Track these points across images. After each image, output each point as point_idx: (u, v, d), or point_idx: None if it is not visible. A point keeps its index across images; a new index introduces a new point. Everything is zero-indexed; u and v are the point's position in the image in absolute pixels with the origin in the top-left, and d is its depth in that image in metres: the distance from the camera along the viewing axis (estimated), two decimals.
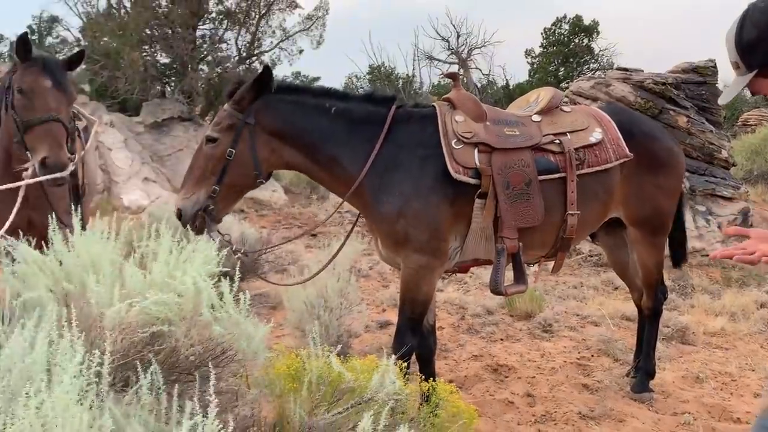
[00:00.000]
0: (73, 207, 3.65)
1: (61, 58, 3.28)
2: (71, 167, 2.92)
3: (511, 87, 19.15)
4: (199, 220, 2.82)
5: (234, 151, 2.78)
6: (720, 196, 7.87)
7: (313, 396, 2.06)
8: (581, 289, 6.13)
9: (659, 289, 3.51)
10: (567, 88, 9.79)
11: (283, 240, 3.72)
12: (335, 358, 2.01)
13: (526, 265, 3.17)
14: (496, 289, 2.94)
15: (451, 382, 3.17)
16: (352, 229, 3.43)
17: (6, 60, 17.69)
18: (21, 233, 2.52)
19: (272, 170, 3.01)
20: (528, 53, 20.62)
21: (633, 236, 3.40)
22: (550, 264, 3.31)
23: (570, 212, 2.98)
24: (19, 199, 2.98)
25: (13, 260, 2.09)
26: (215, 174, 2.80)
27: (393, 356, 2.20)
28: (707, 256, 7.37)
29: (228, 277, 2.18)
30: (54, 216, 2.89)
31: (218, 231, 2.93)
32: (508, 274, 2.97)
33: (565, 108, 3.22)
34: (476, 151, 2.87)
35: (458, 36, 19.66)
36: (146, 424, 1.61)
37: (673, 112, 8.10)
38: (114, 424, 1.46)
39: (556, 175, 2.98)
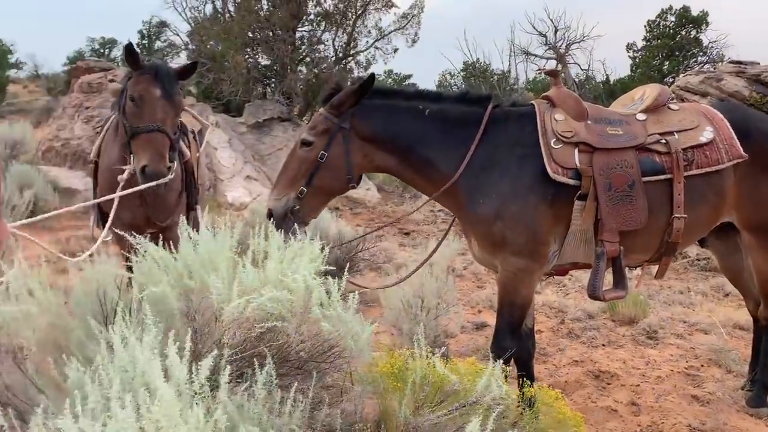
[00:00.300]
0: (196, 206, 3.91)
1: (174, 66, 3.42)
2: (170, 176, 3.11)
3: (611, 82, 18.43)
4: (287, 220, 2.86)
5: (326, 154, 2.82)
6: None
7: (417, 396, 2.09)
8: (688, 294, 5.83)
9: None
10: (672, 83, 9.32)
11: (372, 230, 3.73)
12: (439, 360, 2.02)
13: (627, 269, 3.06)
14: (594, 293, 2.85)
15: (551, 387, 3.11)
16: (449, 229, 3.42)
17: (119, 65, 18.97)
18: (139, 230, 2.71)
19: (362, 173, 3.05)
20: (630, 47, 19.73)
21: (748, 242, 3.16)
22: (654, 268, 3.16)
23: (676, 215, 2.83)
24: (116, 203, 3.19)
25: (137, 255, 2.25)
26: (305, 176, 2.85)
27: (495, 360, 2.19)
28: None
29: (331, 275, 2.25)
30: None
31: (305, 233, 2.87)
32: (608, 279, 2.87)
33: (673, 106, 3.04)
34: (576, 150, 2.79)
35: (556, 31, 19.14)
36: (259, 418, 1.68)
37: None
38: (228, 419, 1.53)
39: (662, 177, 2.83)
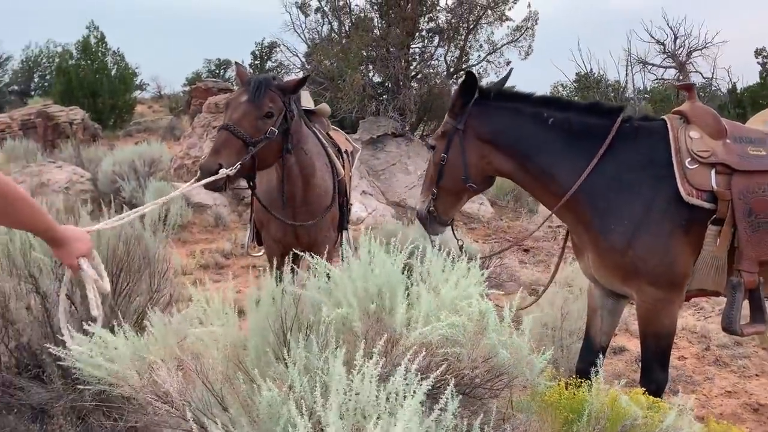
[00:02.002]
0: (344, 226, 4.02)
1: (287, 79, 3.40)
2: (222, 174, 2.87)
3: (738, 90, 17.30)
4: (430, 221, 3.05)
5: (446, 156, 2.91)
6: None
7: (591, 428, 2.02)
8: None
9: None
10: None
11: (500, 249, 3.73)
12: (622, 392, 1.95)
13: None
14: (729, 327, 2.65)
15: (702, 419, 2.94)
16: (564, 247, 3.28)
17: (233, 84, 19.96)
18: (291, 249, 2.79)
19: (485, 176, 3.00)
20: (759, 53, 18.47)
21: None
22: None
23: None
24: (252, 216, 3.27)
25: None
26: (434, 179, 2.99)
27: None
28: None
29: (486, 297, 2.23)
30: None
31: (456, 237, 3.16)
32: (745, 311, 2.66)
33: None
34: (713, 172, 2.62)
35: (675, 38, 18.27)
36: None
37: None
38: None
39: None
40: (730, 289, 2.64)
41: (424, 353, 1.73)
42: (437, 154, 2.96)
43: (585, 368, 3.06)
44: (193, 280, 5.68)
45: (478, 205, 10.38)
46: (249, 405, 1.93)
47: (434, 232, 3.11)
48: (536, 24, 11.96)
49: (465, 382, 2.01)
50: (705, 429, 1.89)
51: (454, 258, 2.39)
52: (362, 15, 11.75)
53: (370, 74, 11.68)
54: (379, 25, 11.48)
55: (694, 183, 2.61)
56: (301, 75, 11.66)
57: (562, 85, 20.29)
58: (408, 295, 2.09)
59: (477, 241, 8.44)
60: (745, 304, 2.72)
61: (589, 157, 2.78)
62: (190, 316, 2.27)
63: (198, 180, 2.90)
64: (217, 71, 30.05)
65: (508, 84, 3.07)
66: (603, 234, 2.73)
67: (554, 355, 3.80)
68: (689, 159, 2.66)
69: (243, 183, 3.32)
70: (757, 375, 4.15)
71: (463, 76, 3.00)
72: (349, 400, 1.52)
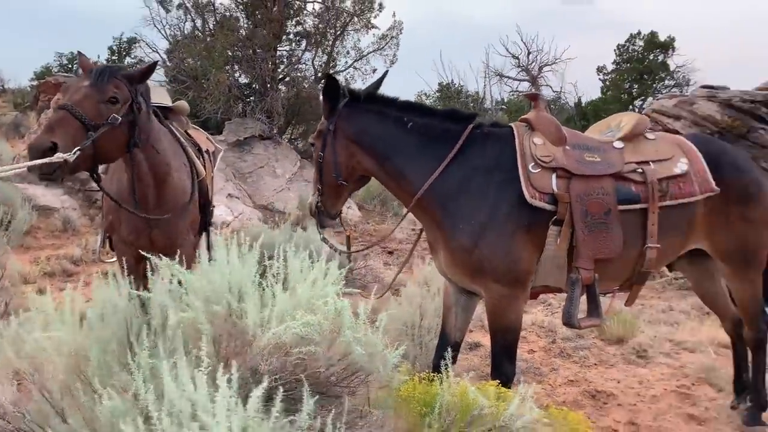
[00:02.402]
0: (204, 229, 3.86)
1: (126, 68, 3.20)
2: (58, 158, 2.53)
3: (583, 104, 18.85)
4: (318, 215, 3.15)
5: (322, 154, 3.02)
6: None
7: (443, 421, 2.10)
8: (671, 313, 5.96)
9: (761, 319, 3.34)
10: (642, 105, 9.57)
11: (358, 249, 3.87)
12: (469, 383, 2.04)
13: (602, 295, 3.10)
14: (569, 321, 2.87)
15: (548, 407, 3.15)
16: (415, 245, 3.43)
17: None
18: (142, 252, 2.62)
19: (357, 175, 3.10)
20: (600, 70, 20.25)
21: (723, 271, 3.25)
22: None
23: (649, 245, 2.87)
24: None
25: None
26: (317, 175, 3.10)
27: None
28: None
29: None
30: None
31: (342, 224, 3.34)
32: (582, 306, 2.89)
33: (650, 135, 3.10)
34: (554, 176, 2.82)
35: (528, 53, 19.56)
36: None
37: (762, 131, 7.80)
38: None
39: (637, 206, 2.88)
40: (569, 286, 2.85)
41: (276, 355, 1.71)
42: (315, 151, 3.07)
43: (439, 363, 3.19)
44: (37, 288, 5.24)
45: (345, 209, 10.46)
46: (91, 415, 1.81)
47: (324, 224, 3.21)
48: (401, 33, 12.30)
49: (321, 380, 2.01)
50: (544, 415, 2.02)
51: (313, 258, 2.39)
52: (227, 14, 11.47)
53: (236, 75, 11.42)
54: (246, 26, 11.26)
55: (537, 186, 2.80)
56: (161, 72, 11.15)
57: (425, 94, 21.02)
58: (263, 295, 2.06)
59: (343, 244, 8.48)
60: (584, 299, 2.95)
61: (442, 159, 2.90)
62: (29, 324, 2.09)
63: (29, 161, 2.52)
64: (70, 66, 27.93)
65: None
66: (453, 233, 2.85)
67: (413, 352, 3.91)
68: (533, 163, 2.84)
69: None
70: (595, 364, 4.51)
71: (325, 80, 3.07)
72: (180, 407, 1.46)
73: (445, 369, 2.18)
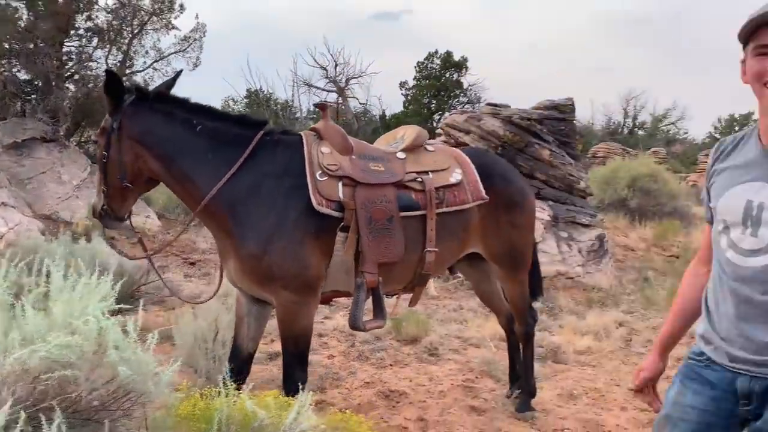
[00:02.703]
0: None
1: None
2: None
3: (387, 117, 19.72)
4: (103, 217, 2.99)
5: (107, 154, 2.86)
6: (579, 223, 8.55)
7: None
8: (461, 312, 6.39)
9: (529, 314, 3.73)
10: (439, 120, 10.25)
11: (142, 256, 3.33)
12: (246, 395, 1.99)
13: (388, 297, 3.27)
14: (355, 324, 2.98)
15: (345, 410, 3.20)
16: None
17: None
18: None
19: (144, 177, 2.95)
20: (402, 85, 21.38)
21: (495, 271, 3.58)
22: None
23: (428, 249, 3.07)
24: None
25: None
26: (102, 175, 2.92)
27: (288, 395, 2.22)
28: (571, 278, 7.99)
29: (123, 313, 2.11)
30: None
31: (132, 228, 3.13)
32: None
33: (429, 147, 3.34)
34: (341, 184, 2.92)
35: (336, 65, 20.01)
36: None
37: (537, 146, 8.74)
38: None
39: (417, 213, 3.06)
40: (355, 289, 2.93)
41: (19, 384, 1.52)
42: (99, 150, 2.90)
43: (233, 377, 3.12)
44: None
45: (143, 218, 9.81)
46: None
47: (110, 227, 3.08)
48: (204, 36, 11.89)
49: (84, 406, 1.84)
50: (323, 421, 2.04)
51: (80, 273, 2.19)
52: (4, 2, 10.23)
53: (14, 70, 10.22)
54: (27, 17, 10.13)
55: (324, 193, 2.85)
56: None
57: (233, 100, 20.61)
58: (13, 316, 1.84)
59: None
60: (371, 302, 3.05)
61: (231, 164, 2.85)
62: None
63: None
64: None
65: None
66: (241, 240, 2.81)
67: (206, 367, 3.78)
68: (320, 172, 2.89)
69: None
70: (391, 365, 4.69)
71: (105, 75, 2.91)
72: None
73: (223, 382, 2.11)
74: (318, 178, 2.87)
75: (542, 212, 8.32)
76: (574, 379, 4.52)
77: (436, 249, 3.09)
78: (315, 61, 20.21)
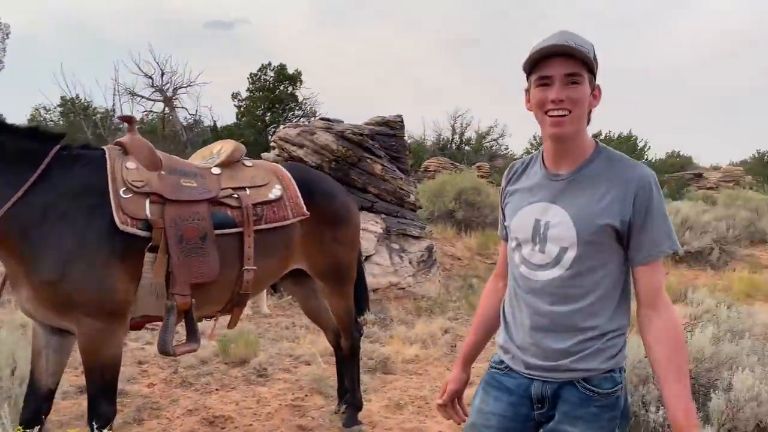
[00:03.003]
0: None
1: None
2: None
3: (218, 129, 19.13)
4: None
5: None
6: (410, 235, 8.86)
7: None
8: (293, 329, 6.31)
9: (354, 329, 3.75)
10: (274, 132, 10.14)
11: None
12: None
13: (207, 319, 3.15)
14: (164, 348, 2.79)
15: None
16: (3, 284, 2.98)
17: None
18: None
19: None
20: (235, 96, 20.88)
21: (321, 287, 3.54)
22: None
23: (246, 267, 2.97)
24: None
25: None
26: None
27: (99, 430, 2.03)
28: (403, 289, 8.24)
29: None
30: None
31: None
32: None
33: (247, 162, 3.25)
34: (148, 201, 2.75)
35: (162, 74, 19.06)
36: None
37: (370, 160, 8.93)
38: None
39: (233, 230, 2.96)
40: (165, 313, 2.75)
41: None
42: None
43: (31, 417, 2.81)
44: None
45: None
46: None
47: None
48: (7, 38, 10.77)
49: None
50: None
51: None
52: None
53: None
54: None
55: (128, 212, 2.65)
56: None
57: (45, 108, 18.87)
58: None
59: None
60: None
61: (22, 183, 2.54)
62: None
63: None
64: None
65: None
66: (35, 266, 2.53)
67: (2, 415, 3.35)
68: (124, 188, 2.69)
69: None
70: (217, 389, 4.49)
71: None
72: None
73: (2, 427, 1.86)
74: (122, 195, 2.67)
75: (375, 225, 8.52)
76: (402, 389, 4.63)
77: (255, 267, 2.99)
78: (139, 69, 19.11)
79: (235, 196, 2.99)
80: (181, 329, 2.91)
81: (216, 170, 3.06)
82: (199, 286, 2.81)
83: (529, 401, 1.81)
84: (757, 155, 32.12)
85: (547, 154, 1.82)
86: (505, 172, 1.99)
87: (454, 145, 30.06)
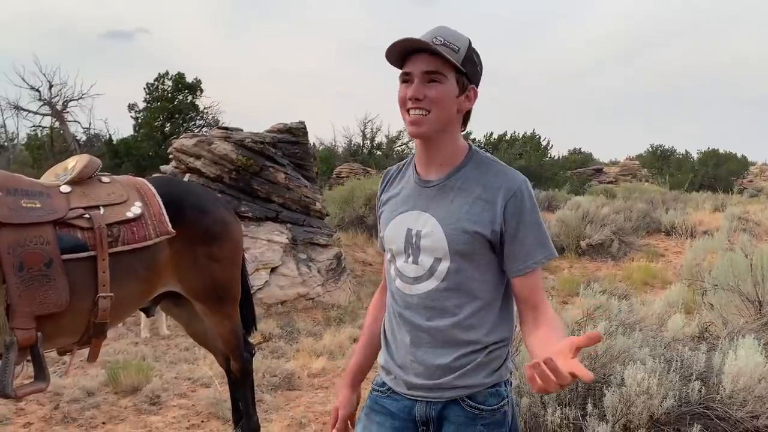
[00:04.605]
0: None
1: None
2: None
3: (115, 142, 18.17)
4: None
5: None
6: (318, 243, 8.67)
7: None
8: (193, 350, 5.98)
9: (245, 350, 3.48)
10: (172, 144, 9.67)
11: None
12: None
13: (66, 354, 2.84)
14: (3, 391, 2.47)
15: None
16: None
17: None
18: None
19: None
20: (131, 108, 19.92)
21: (199, 309, 3.27)
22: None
23: (102, 294, 2.69)
24: None
25: None
26: None
27: None
28: (312, 299, 8.04)
29: None
30: None
31: None
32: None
33: (104, 178, 2.95)
34: None
35: (51, 86, 17.92)
36: None
37: (272, 169, 8.68)
38: None
39: (85, 254, 2.67)
40: (4, 350, 2.45)
41: None
42: None
43: None
44: None
45: None
46: None
47: None
48: None
49: None
50: None
51: None
52: None
53: None
54: None
55: None
56: None
57: None
58: None
59: None
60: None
61: None
62: None
63: None
64: None
65: None
66: None
67: None
68: None
69: None
70: (103, 423, 4.15)
71: None
72: None
73: None
74: None
75: (280, 236, 8.29)
76: (306, 405, 4.45)
77: (112, 294, 2.71)
78: (24, 80, 17.88)
79: (87, 216, 2.70)
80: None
81: (66, 188, 2.76)
82: (47, 317, 2.51)
83: (413, 424, 1.69)
84: (651, 149, 33.99)
85: (417, 159, 1.70)
86: (381, 179, 1.86)
87: (365, 150, 30.07)
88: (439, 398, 1.64)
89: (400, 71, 1.62)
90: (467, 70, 1.59)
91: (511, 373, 1.73)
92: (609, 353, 3.17)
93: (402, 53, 1.58)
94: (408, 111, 1.58)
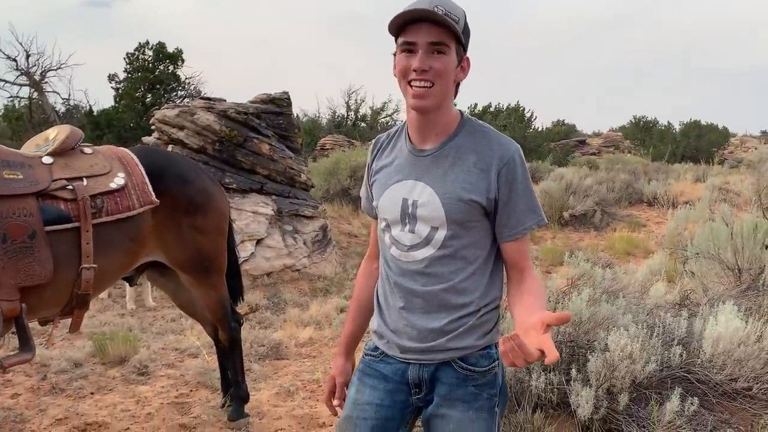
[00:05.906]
0: None
1: None
2: None
3: (95, 113, 17.86)
4: None
5: None
6: (303, 215, 8.66)
7: None
8: (180, 320, 6.00)
9: (232, 319, 3.51)
10: (154, 115, 9.53)
11: None
12: None
13: (48, 324, 2.86)
14: None
15: None
16: None
17: None
18: None
19: None
20: (112, 78, 19.54)
21: (185, 280, 3.29)
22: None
23: (85, 266, 2.69)
24: None
25: None
26: None
27: None
28: (298, 270, 8.05)
29: None
30: None
31: None
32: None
33: (86, 149, 2.94)
34: None
35: (28, 56, 17.53)
36: None
37: (257, 140, 8.61)
38: None
39: (69, 225, 2.67)
40: None
41: None
42: None
43: None
44: None
45: None
46: None
47: None
48: None
49: None
50: None
51: None
52: None
53: None
54: None
55: None
56: None
57: None
58: None
59: None
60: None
61: None
62: None
63: None
64: None
65: None
66: None
67: None
68: None
69: None
70: (92, 393, 4.15)
71: None
72: None
73: None
74: None
75: (266, 207, 8.26)
76: (294, 374, 4.49)
77: (95, 265, 2.70)
78: (1, 51, 17.45)
79: (70, 187, 2.68)
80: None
81: (48, 159, 2.73)
82: (31, 289, 2.51)
83: (406, 387, 1.72)
84: (633, 120, 34.13)
85: (411, 128, 1.70)
86: (371, 147, 1.85)
87: (349, 121, 29.87)
88: (432, 360, 1.67)
89: (395, 40, 1.60)
90: (465, 41, 1.59)
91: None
92: (593, 320, 3.23)
93: (401, 23, 1.56)
94: (410, 83, 1.56)
